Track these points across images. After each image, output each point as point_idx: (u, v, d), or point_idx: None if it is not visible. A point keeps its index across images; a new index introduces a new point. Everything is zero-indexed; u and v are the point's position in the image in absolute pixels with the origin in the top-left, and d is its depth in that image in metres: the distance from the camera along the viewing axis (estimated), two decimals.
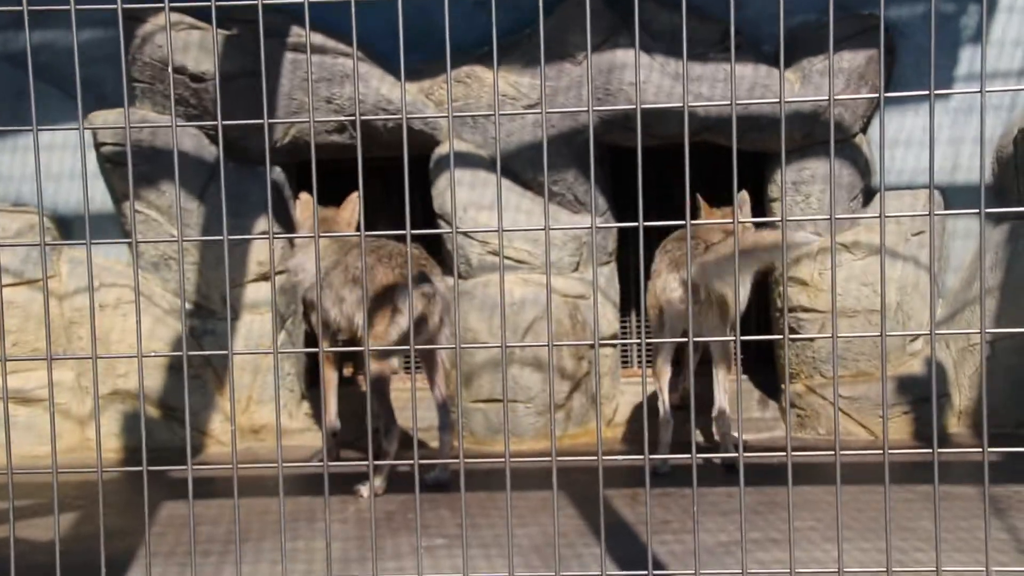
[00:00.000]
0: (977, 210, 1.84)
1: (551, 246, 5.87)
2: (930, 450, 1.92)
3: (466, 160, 5.91)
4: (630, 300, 6.65)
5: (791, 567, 1.94)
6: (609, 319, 6.06)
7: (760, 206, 6.05)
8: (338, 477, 4.92)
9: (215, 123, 1.94)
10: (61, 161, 6.19)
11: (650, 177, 6.56)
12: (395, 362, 4.94)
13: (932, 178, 1.89)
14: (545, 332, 5.69)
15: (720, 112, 5.69)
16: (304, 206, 5.36)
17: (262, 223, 6.07)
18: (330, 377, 5.32)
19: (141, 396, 1.83)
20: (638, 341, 2.21)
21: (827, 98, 1.96)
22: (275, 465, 1.95)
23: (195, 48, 5.78)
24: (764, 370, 6.23)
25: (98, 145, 5.90)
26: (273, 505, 4.58)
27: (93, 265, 6.06)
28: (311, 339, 6.28)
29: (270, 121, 1.85)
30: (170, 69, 1.99)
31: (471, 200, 5.87)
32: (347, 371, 6.76)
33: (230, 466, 2.04)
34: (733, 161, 1.99)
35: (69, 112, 5.88)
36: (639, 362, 6.70)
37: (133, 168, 5.82)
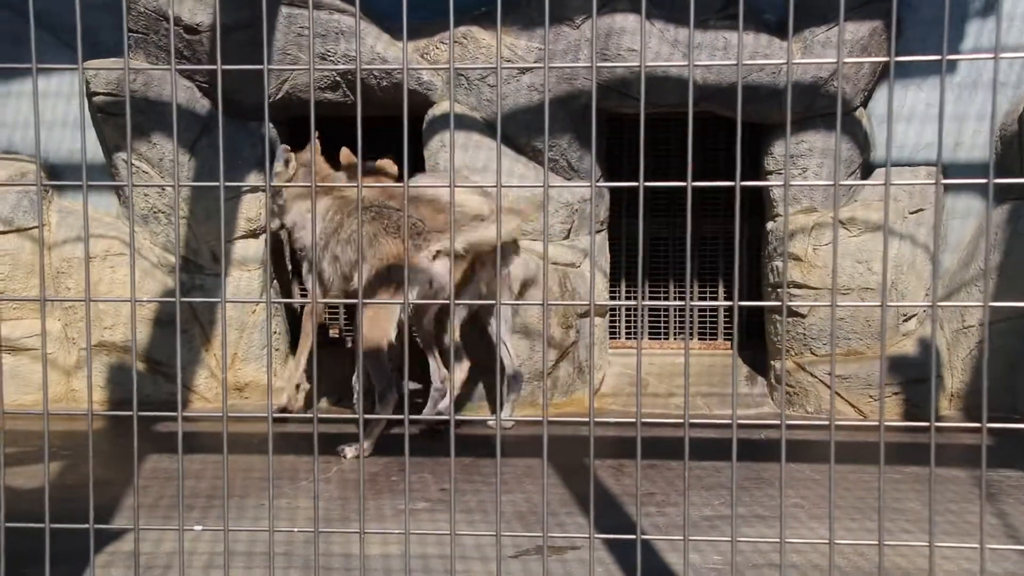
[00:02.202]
0: (984, 179, 1.83)
1: (542, 213, 5.89)
2: (926, 424, 1.92)
3: (460, 122, 5.89)
4: (620, 269, 6.65)
5: (781, 536, 1.95)
6: (599, 287, 6.07)
7: (757, 178, 6.06)
8: (321, 437, 4.94)
9: (213, 67, 1.93)
10: (53, 109, 6.19)
11: (646, 146, 6.58)
12: (393, 333, 4.96)
13: (940, 143, 1.89)
14: (535, 298, 5.68)
15: (719, 81, 5.68)
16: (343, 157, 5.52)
17: (253, 179, 6.07)
18: (309, 331, 5.41)
19: (134, 340, 1.83)
20: (633, 303, 2.20)
21: (835, 61, 1.95)
22: (264, 415, 1.95)
23: None
24: (753, 345, 6.25)
25: (91, 95, 5.86)
26: (256, 463, 4.59)
27: (82, 216, 6.10)
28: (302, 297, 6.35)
29: (269, 67, 1.83)
30: (171, 15, 1.96)
31: (464, 162, 5.86)
32: (333, 332, 6.77)
33: (219, 415, 2.04)
34: (738, 121, 1.98)
35: (63, 59, 5.88)
36: (628, 333, 6.72)
37: (125, 118, 5.79)
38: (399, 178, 5.68)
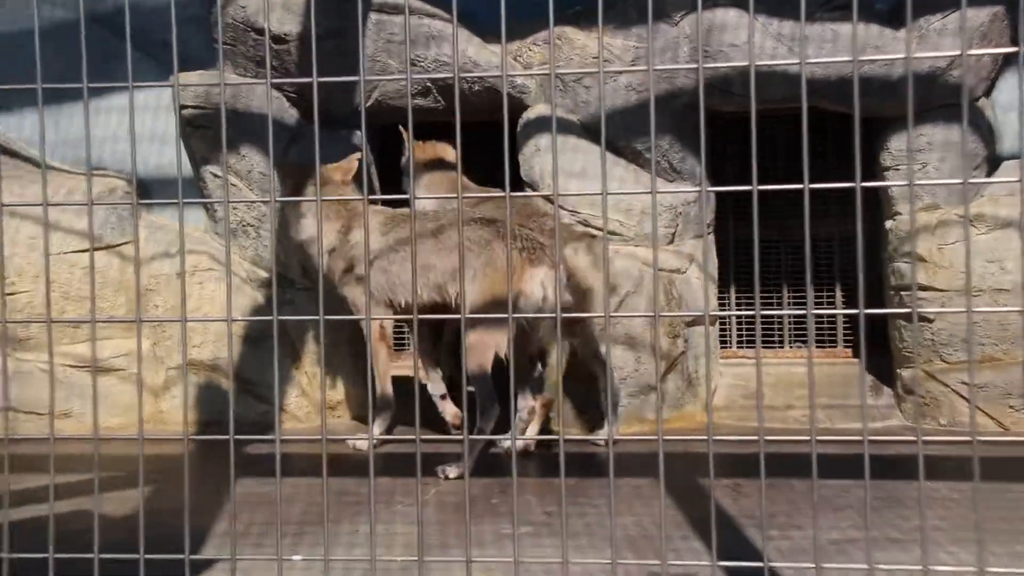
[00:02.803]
0: None
1: (644, 217, 5.86)
2: None
3: (556, 125, 5.88)
4: (729, 275, 6.57)
5: (924, 562, 1.89)
6: (709, 297, 6.01)
7: (871, 176, 5.93)
8: (413, 457, 4.94)
9: (309, 80, 1.94)
10: (140, 124, 6.31)
11: (746, 146, 6.49)
12: (503, 353, 4.93)
13: None
14: (639, 308, 5.64)
15: (828, 75, 5.57)
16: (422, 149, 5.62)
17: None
18: (379, 351, 5.39)
19: (231, 360, 1.84)
20: (749, 312, 2.15)
21: (958, 53, 1.89)
22: (365, 438, 1.95)
23: (278, 8, 5.82)
24: (877, 353, 6.10)
25: (179, 108, 5.95)
26: (349, 486, 4.61)
27: (170, 231, 6.22)
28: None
29: (366, 78, 1.84)
30: (267, 28, 1.99)
31: (561, 167, 5.85)
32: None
33: (315, 437, 2.04)
34: (856, 119, 1.93)
35: (149, 73, 5.99)
36: (739, 342, 6.63)
37: (213, 131, 5.89)
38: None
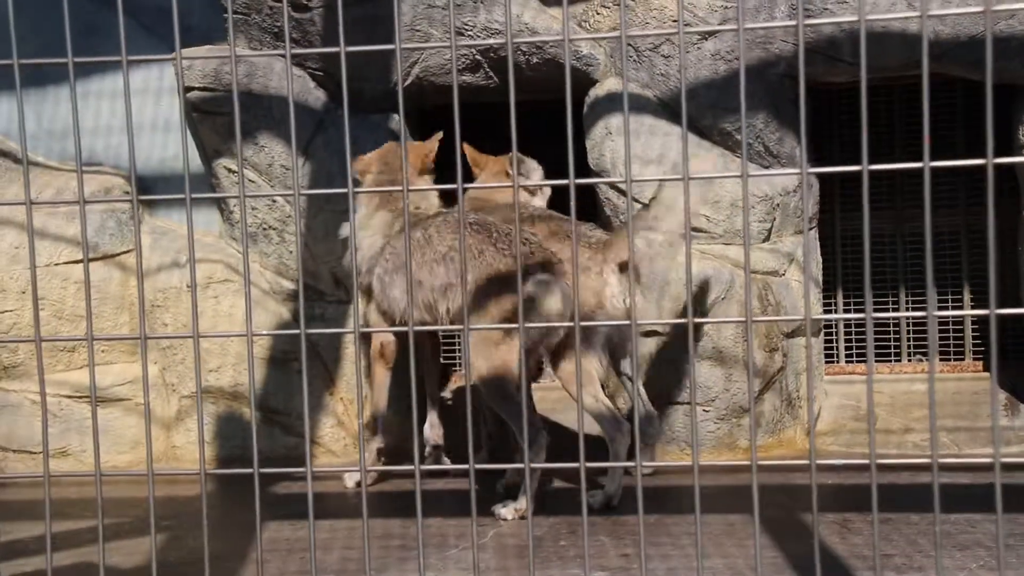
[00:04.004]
0: None
1: (735, 211, 5.84)
2: None
3: (630, 103, 5.88)
4: (835, 277, 6.54)
5: None
6: (810, 301, 5.99)
7: (1009, 152, 5.87)
8: (465, 494, 4.96)
9: (336, 49, 1.98)
10: (137, 112, 6.18)
11: (852, 121, 6.45)
12: (515, 365, 4.91)
13: None
14: (728, 315, 5.63)
15: (955, 35, 5.53)
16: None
17: None
18: (381, 375, 5.42)
19: (251, 383, 1.88)
20: (862, 317, 2.12)
21: None
22: (411, 468, 1.98)
23: None
24: (1013, 365, 6.04)
25: (184, 90, 5.97)
26: (394, 528, 4.64)
27: (177, 237, 6.24)
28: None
29: (403, 47, 1.86)
30: None
31: (634, 152, 5.85)
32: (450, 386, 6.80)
33: (356, 470, 2.07)
34: (987, 83, 1.93)
35: (147, 49, 5.94)
36: (848, 355, 6.60)
37: (225, 117, 5.92)
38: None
